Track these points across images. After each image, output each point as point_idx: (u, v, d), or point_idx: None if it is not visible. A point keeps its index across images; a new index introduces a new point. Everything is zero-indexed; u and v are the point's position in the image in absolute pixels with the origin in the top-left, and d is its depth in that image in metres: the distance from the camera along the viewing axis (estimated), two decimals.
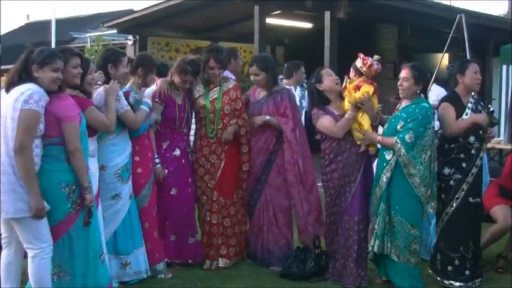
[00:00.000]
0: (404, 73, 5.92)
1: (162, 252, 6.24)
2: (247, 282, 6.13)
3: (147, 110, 6.00)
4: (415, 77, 5.87)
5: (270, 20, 13.54)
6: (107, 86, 5.63)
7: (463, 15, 11.33)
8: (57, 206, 4.71)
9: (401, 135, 5.72)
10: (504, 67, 11.97)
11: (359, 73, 6.19)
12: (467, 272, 5.93)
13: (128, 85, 6.13)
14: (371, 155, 6.13)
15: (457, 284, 5.93)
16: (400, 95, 5.98)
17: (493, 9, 46.14)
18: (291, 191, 6.51)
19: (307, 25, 15.48)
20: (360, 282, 6.05)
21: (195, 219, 6.67)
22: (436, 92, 9.55)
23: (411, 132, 5.70)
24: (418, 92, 5.92)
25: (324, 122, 6.12)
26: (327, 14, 12.04)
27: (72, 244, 4.83)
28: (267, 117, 6.54)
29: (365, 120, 6.05)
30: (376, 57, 6.21)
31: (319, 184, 6.56)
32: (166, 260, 6.33)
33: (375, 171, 6.14)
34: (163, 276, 6.15)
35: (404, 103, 5.98)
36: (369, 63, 6.11)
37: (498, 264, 6.58)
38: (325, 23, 12.10)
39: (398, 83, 5.95)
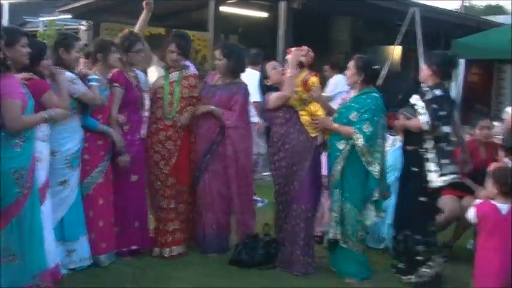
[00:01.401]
0: (350, 63, 6.15)
1: (110, 243, 6.14)
2: (197, 270, 6.13)
3: (97, 84, 5.94)
4: (358, 67, 6.05)
5: (224, 9, 13.52)
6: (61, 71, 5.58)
7: (416, 8, 11.46)
8: (5, 191, 4.64)
9: (358, 126, 5.87)
10: None
11: (300, 66, 6.25)
12: (419, 258, 5.94)
13: (92, 72, 6.07)
14: (320, 144, 6.20)
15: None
16: (346, 83, 6.29)
17: (447, 3, 46.71)
18: (229, 186, 6.56)
19: (262, 14, 15.47)
20: (306, 269, 6.11)
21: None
22: (334, 81, 9.68)
23: (368, 122, 5.86)
24: (360, 81, 6.06)
25: (273, 96, 6.20)
26: (282, 4, 12.06)
27: (21, 228, 4.76)
28: (212, 107, 6.53)
29: (318, 109, 6.19)
30: (305, 47, 6.32)
31: (266, 174, 6.64)
32: (128, 248, 6.32)
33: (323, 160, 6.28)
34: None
35: (353, 93, 6.14)
36: (309, 53, 6.25)
37: (443, 253, 6.70)
38: (279, 13, 12.11)
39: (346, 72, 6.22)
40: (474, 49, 12.01)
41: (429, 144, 5.83)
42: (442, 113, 5.80)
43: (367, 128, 5.84)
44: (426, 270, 5.88)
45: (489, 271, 4.87)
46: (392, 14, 13.27)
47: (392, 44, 12.54)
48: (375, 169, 5.84)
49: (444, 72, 6.00)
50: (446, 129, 5.84)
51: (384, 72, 11.01)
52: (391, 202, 6.55)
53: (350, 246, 6.02)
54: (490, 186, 5.04)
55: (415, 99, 5.94)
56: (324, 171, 6.43)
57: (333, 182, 6.04)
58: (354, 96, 6.09)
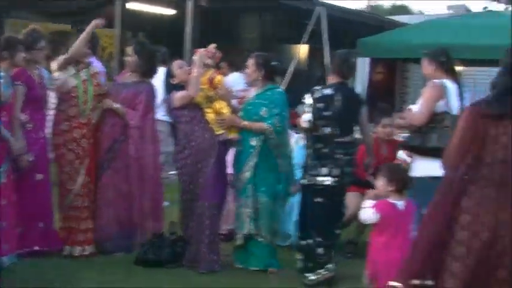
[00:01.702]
0: (249, 61, 6.31)
1: (12, 245, 5.85)
2: (102, 270, 6.06)
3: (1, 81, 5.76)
4: (258, 64, 6.24)
5: (131, 5, 13.37)
6: None
7: (322, 8, 11.63)
8: None
9: (270, 121, 6.07)
10: (360, 59, 12.40)
11: (207, 67, 6.28)
12: (318, 260, 5.96)
13: None
14: (226, 141, 6.25)
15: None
16: (246, 80, 6.52)
17: (353, 3, 47.63)
18: (131, 185, 6.53)
19: (170, 11, 15.37)
20: (212, 267, 6.14)
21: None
22: (230, 79, 9.78)
23: (278, 117, 6.09)
24: (261, 78, 6.24)
25: (178, 95, 6.20)
26: (190, 1, 12.01)
27: None
28: (116, 105, 6.49)
29: (224, 107, 6.25)
30: (212, 45, 6.34)
31: (172, 172, 6.63)
32: (31, 249, 6.16)
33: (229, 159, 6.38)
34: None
35: (253, 90, 6.34)
36: (216, 54, 6.30)
37: (348, 250, 6.83)
38: (186, 10, 12.06)
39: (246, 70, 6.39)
40: (379, 48, 12.29)
41: (312, 144, 5.94)
42: (326, 113, 5.86)
43: (278, 123, 6.06)
44: (323, 272, 5.91)
45: (393, 266, 4.91)
46: (299, 12, 13.41)
47: (299, 42, 12.69)
48: (284, 163, 6.06)
49: (342, 71, 6.06)
50: (327, 130, 5.85)
51: (290, 70, 11.18)
52: (296, 199, 6.65)
53: (265, 240, 6.16)
54: (381, 185, 5.04)
55: (306, 97, 6.03)
56: (230, 169, 6.48)
57: (245, 178, 6.15)
58: (259, 93, 6.25)
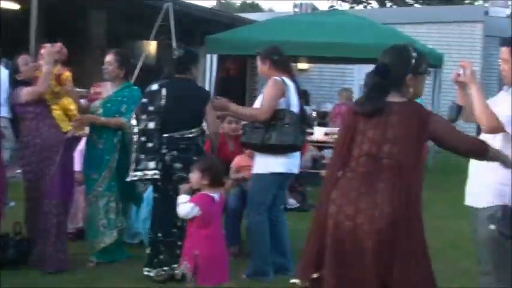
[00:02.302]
0: (108, 58, 6.28)
1: None
2: None
3: None
4: (119, 61, 6.26)
5: None
6: None
7: (170, 4, 11.64)
8: None
9: (128, 116, 6.07)
10: (209, 56, 12.50)
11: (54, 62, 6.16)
12: (161, 257, 5.90)
13: None
14: (72, 139, 6.16)
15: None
16: (106, 77, 6.37)
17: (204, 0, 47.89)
18: None
19: (14, 6, 14.87)
20: (59, 266, 6.02)
21: None
22: None
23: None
24: (122, 76, 6.29)
25: (26, 90, 6.01)
26: None
27: None
28: None
29: (71, 103, 6.16)
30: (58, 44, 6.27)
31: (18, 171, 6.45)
32: None
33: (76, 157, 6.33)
34: None
35: (111, 87, 6.37)
36: (63, 50, 6.19)
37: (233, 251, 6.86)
38: (31, 5, 11.72)
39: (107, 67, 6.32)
40: (227, 45, 12.44)
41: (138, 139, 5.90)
42: (150, 108, 5.85)
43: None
44: (161, 271, 5.86)
45: (215, 259, 4.96)
46: (148, 8, 13.36)
47: (148, 38, 12.65)
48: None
49: (183, 67, 6.02)
50: (151, 125, 5.83)
51: (138, 66, 11.14)
52: (145, 196, 6.67)
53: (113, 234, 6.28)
54: (195, 178, 5.01)
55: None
56: (77, 166, 6.40)
57: (109, 174, 6.22)
58: (117, 90, 6.34)
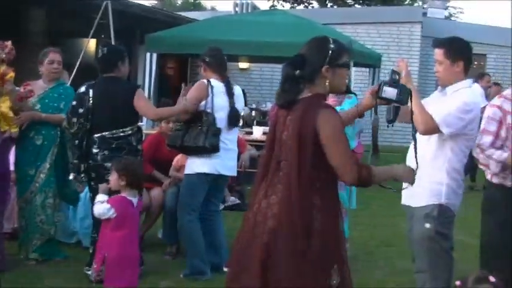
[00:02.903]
0: (57, 57, 6.42)
1: None
2: None
3: None
4: (63, 60, 6.43)
5: None
6: None
7: (108, 1, 11.53)
8: None
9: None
10: (148, 55, 12.42)
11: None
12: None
13: None
14: (8, 139, 6.05)
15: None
16: (53, 76, 6.42)
17: None
18: None
19: None
20: None
21: None
22: None
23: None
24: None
25: None
26: None
27: None
28: None
29: (5, 103, 5.99)
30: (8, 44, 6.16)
31: None
32: None
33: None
34: None
35: (43, 84, 6.44)
36: (8, 48, 6.06)
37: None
38: None
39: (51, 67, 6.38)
40: (167, 44, 12.37)
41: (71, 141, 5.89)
42: (80, 110, 5.79)
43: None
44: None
45: (127, 262, 4.92)
46: (87, 6, 13.20)
47: (87, 36, 12.50)
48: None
49: (109, 65, 5.94)
50: (81, 127, 5.78)
51: (77, 64, 11.01)
52: (82, 196, 6.61)
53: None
54: (113, 179, 4.98)
55: None
56: (12, 166, 6.30)
57: (46, 170, 6.21)
58: (53, 87, 6.43)
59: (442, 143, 4.37)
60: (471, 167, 11.47)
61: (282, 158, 3.65)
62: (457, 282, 3.49)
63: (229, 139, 6.19)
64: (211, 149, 5.97)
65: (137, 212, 5.12)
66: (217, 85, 6.08)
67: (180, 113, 5.97)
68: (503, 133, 4.26)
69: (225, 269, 4.06)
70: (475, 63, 20.05)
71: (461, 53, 4.55)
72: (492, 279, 3.40)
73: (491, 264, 4.48)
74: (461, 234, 7.91)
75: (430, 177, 4.43)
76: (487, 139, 4.15)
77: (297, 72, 3.63)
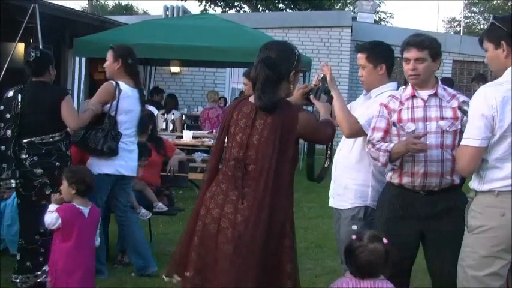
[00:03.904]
0: None
1: None
2: None
3: None
4: None
5: None
6: None
7: (36, 5, 11.33)
8: None
9: None
10: (77, 59, 12.25)
11: None
12: (28, 264, 5.71)
13: None
14: None
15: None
16: None
17: (74, 2, 47.10)
18: None
19: None
20: None
21: None
22: None
23: None
24: None
25: None
26: None
27: None
28: None
29: None
30: None
31: None
32: None
33: None
34: None
35: None
36: None
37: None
38: None
39: None
40: (96, 48, 12.18)
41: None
42: (7, 115, 5.68)
43: None
44: (28, 277, 5.69)
45: (74, 273, 4.79)
46: (13, 9, 12.93)
47: (14, 40, 12.25)
48: None
49: (39, 69, 5.81)
50: (9, 132, 5.65)
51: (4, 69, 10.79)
52: (8, 202, 6.48)
53: None
54: (64, 188, 4.91)
55: None
56: None
57: None
58: None
59: (367, 146, 4.41)
60: None
61: (248, 162, 3.67)
62: (353, 237, 3.66)
63: (131, 140, 6.22)
64: (108, 152, 5.96)
65: (90, 221, 4.95)
66: (126, 89, 6.08)
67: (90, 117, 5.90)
68: (391, 129, 4.35)
69: (165, 277, 3.97)
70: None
71: (383, 56, 4.65)
72: (385, 241, 3.63)
73: None
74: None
75: (355, 180, 4.55)
76: (377, 135, 4.23)
77: (274, 75, 3.70)
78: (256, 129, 3.67)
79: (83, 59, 12.16)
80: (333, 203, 4.79)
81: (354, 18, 21.72)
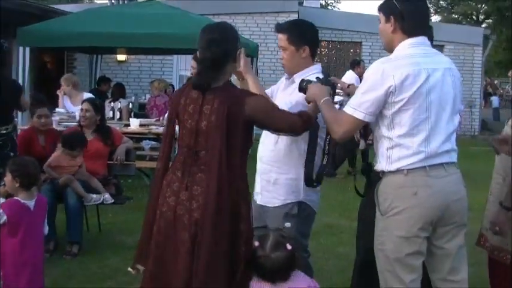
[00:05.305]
0: None
1: None
2: None
3: None
4: None
5: None
6: None
7: None
8: None
9: None
10: (21, 49, 12.03)
11: None
12: None
13: None
14: None
15: None
16: None
17: None
18: None
19: None
20: None
21: None
22: None
23: None
24: None
25: None
26: None
27: None
28: None
29: None
30: None
31: None
32: None
33: None
34: None
35: None
36: None
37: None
38: None
39: None
40: (40, 37, 12.03)
41: None
42: None
43: None
44: None
45: (24, 269, 4.65)
46: None
47: None
48: None
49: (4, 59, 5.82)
50: None
51: None
52: None
53: None
54: (8, 181, 4.71)
55: None
56: None
57: None
58: None
59: (295, 137, 4.06)
60: (350, 155, 11.83)
61: (199, 148, 3.66)
62: (256, 243, 3.65)
63: None
64: None
65: (37, 213, 4.75)
66: None
67: None
68: None
69: (131, 270, 3.94)
70: (351, 50, 20.62)
71: (305, 37, 4.27)
72: (289, 246, 3.63)
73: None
74: (336, 217, 8.17)
75: (286, 174, 4.20)
76: None
77: (218, 56, 3.64)
78: (204, 115, 3.63)
79: (27, 49, 11.95)
80: (260, 199, 4.32)
81: (301, 3, 21.78)
